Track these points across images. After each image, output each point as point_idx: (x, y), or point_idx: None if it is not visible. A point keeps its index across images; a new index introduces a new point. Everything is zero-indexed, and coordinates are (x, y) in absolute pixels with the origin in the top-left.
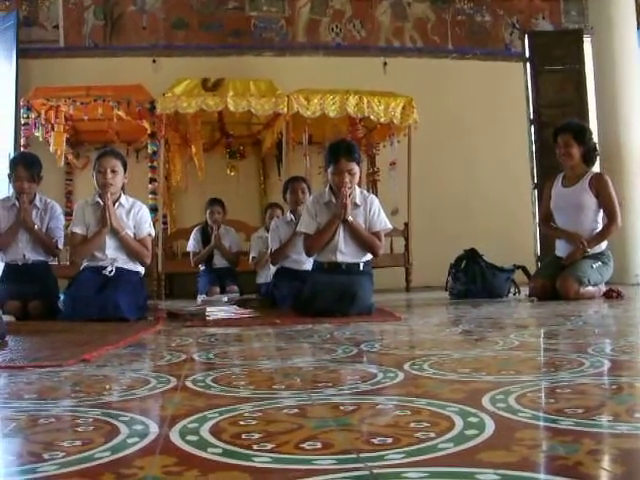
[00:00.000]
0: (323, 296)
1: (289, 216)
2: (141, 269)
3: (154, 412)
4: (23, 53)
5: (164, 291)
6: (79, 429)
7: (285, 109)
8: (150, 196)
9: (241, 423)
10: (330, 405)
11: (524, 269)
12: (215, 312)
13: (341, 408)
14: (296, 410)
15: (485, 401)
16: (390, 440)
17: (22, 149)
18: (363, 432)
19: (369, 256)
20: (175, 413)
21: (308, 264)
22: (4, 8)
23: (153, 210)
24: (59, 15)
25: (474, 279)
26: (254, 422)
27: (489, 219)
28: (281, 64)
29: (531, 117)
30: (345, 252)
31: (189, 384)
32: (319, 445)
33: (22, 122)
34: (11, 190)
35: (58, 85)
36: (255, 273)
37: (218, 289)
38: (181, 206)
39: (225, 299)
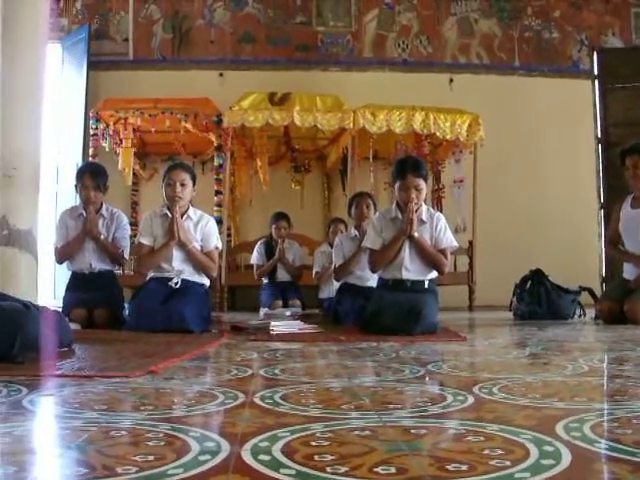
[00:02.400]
0: (388, 314)
1: (353, 232)
2: (206, 281)
3: (224, 429)
4: (94, 65)
5: (226, 303)
6: (150, 443)
7: (351, 124)
8: (215, 208)
9: (313, 444)
10: (401, 428)
11: (590, 291)
12: (279, 326)
13: (412, 431)
14: (367, 432)
15: (559, 429)
16: (465, 467)
17: (90, 159)
18: (437, 457)
19: (434, 274)
20: (245, 431)
21: (372, 280)
22: (77, 21)
23: (218, 222)
24: (129, 28)
25: (539, 300)
26: (326, 443)
27: (554, 239)
28: (347, 79)
29: (599, 136)
30: (410, 269)
31: (257, 401)
32: (393, 470)
33: (90, 133)
34: (78, 200)
35: (127, 97)
36: (318, 287)
37: (281, 303)
38: (245, 219)
39: (288, 313)
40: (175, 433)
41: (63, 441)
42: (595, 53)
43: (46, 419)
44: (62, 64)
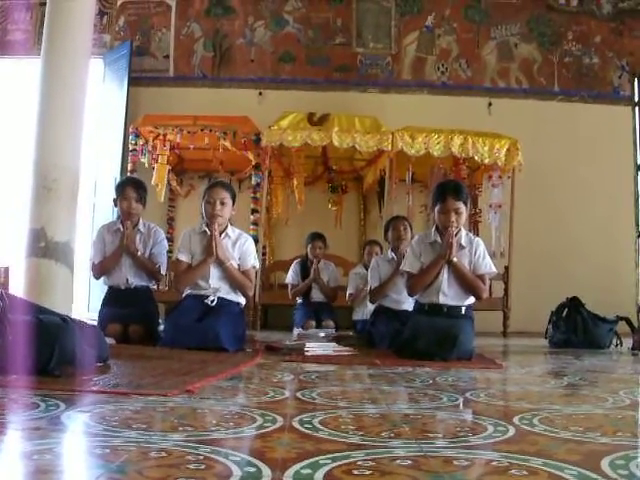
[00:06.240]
0: (424, 338)
1: (390, 254)
2: (242, 300)
3: (264, 453)
4: (134, 81)
5: (259, 322)
6: (191, 466)
7: (389, 146)
8: (251, 227)
9: (355, 472)
10: (443, 458)
11: (628, 320)
12: (314, 348)
13: (455, 462)
14: (409, 462)
15: (605, 465)
16: None
17: (128, 174)
18: None
19: (471, 299)
20: (286, 456)
21: (407, 304)
22: (119, 38)
23: (254, 241)
24: (170, 46)
25: (575, 328)
26: (368, 472)
27: (590, 267)
28: (386, 101)
29: (638, 163)
30: (448, 294)
31: (296, 425)
32: None
33: (130, 148)
34: (115, 215)
35: (166, 113)
36: (351, 309)
37: (314, 323)
38: (281, 238)
39: (322, 334)
40: (215, 456)
41: (104, 460)
42: (636, 79)
43: (85, 436)
44: (103, 79)
